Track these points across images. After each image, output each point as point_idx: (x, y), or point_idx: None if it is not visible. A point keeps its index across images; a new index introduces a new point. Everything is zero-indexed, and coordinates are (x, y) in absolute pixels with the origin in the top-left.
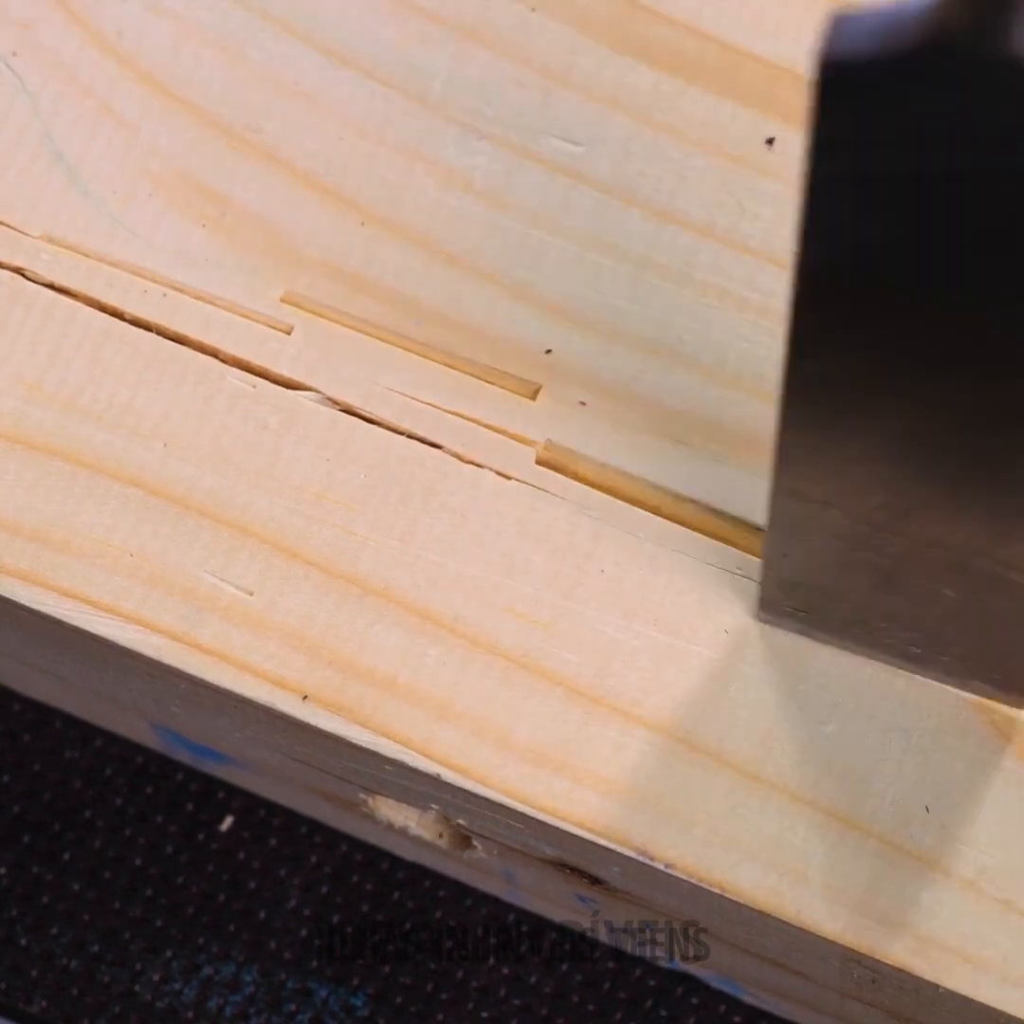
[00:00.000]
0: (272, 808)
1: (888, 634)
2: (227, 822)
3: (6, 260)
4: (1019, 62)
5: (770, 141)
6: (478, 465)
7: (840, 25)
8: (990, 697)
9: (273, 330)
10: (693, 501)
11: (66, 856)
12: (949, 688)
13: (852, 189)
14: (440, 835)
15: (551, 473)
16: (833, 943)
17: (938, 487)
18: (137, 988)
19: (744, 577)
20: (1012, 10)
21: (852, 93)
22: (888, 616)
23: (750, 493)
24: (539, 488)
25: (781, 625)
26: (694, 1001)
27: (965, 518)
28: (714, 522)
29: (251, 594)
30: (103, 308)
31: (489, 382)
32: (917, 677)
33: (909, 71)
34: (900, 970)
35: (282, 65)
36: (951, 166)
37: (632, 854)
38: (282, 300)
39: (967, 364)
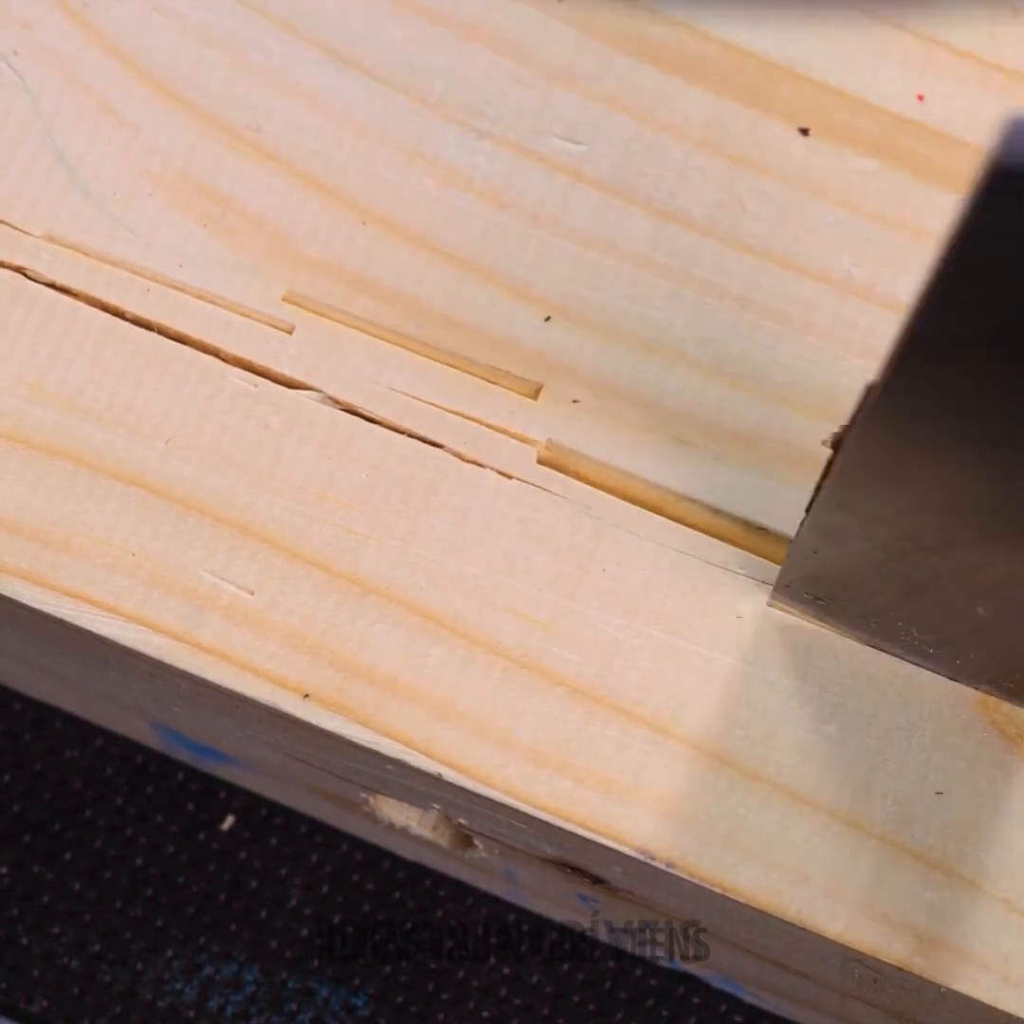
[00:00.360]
0: (273, 808)
1: (905, 633)
2: (228, 822)
3: (7, 260)
4: None
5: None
6: (479, 464)
7: (1019, 128)
8: (996, 696)
9: (274, 329)
10: (694, 501)
11: (67, 856)
12: (950, 689)
13: (991, 269)
14: (441, 835)
15: (552, 472)
16: (834, 943)
17: (996, 527)
18: (138, 988)
19: (746, 576)
20: None
21: (1015, 194)
22: (910, 619)
23: (751, 493)
24: (540, 488)
25: (792, 609)
26: (694, 1001)
27: (1014, 555)
28: (715, 522)
29: (252, 594)
30: (104, 307)
31: (490, 382)
32: (919, 677)
33: None
34: (901, 970)
35: (282, 65)
36: None
37: (633, 853)
38: (283, 300)
39: None
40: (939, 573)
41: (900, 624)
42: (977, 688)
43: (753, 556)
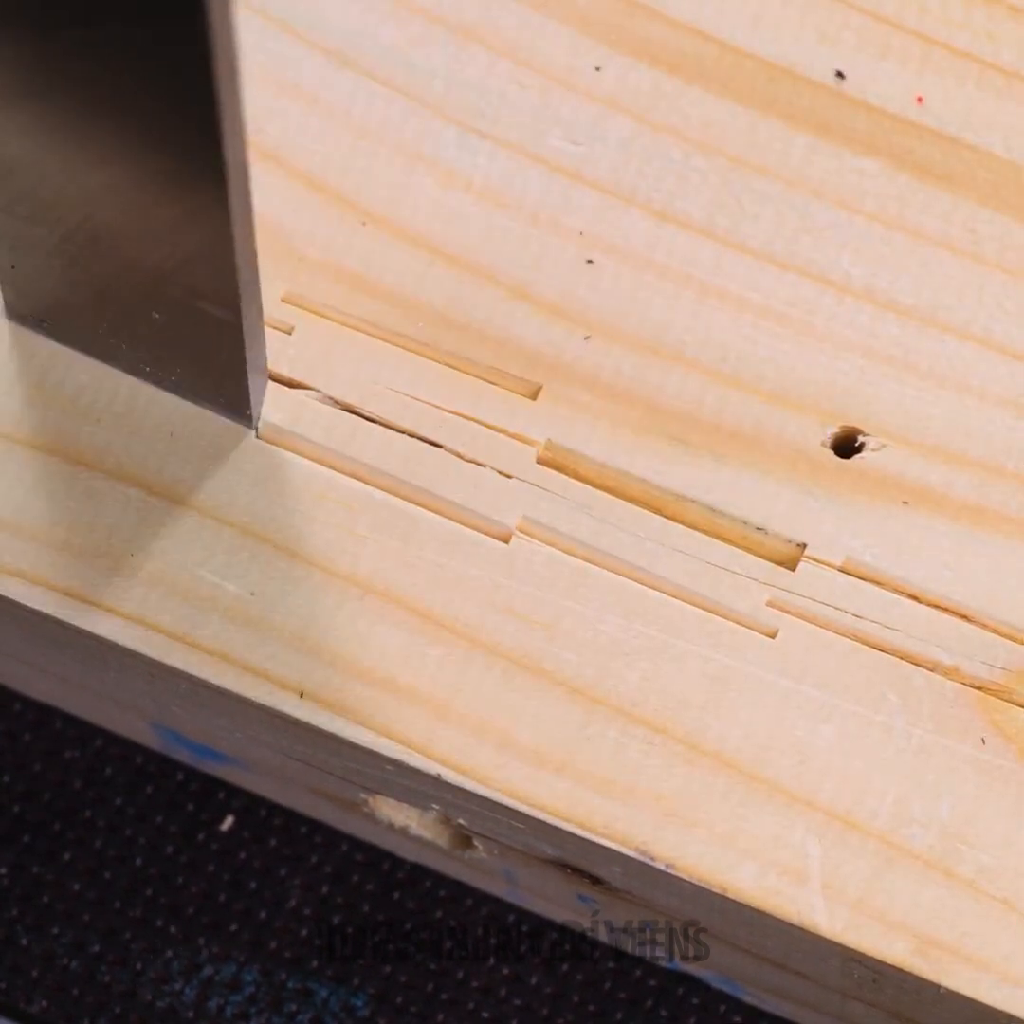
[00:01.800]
0: (272, 808)
1: (118, 349)
2: (227, 822)
3: None
4: None
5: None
6: (479, 464)
7: None
8: (222, 414)
9: (274, 330)
10: (693, 501)
11: (66, 856)
12: (949, 688)
13: None
14: (441, 835)
15: (552, 472)
16: (833, 943)
17: (120, 213)
18: (138, 988)
19: (744, 577)
20: None
21: None
22: (113, 333)
23: (750, 493)
24: (540, 487)
25: (30, 329)
26: (694, 1001)
27: (151, 245)
28: (714, 521)
29: (252, 594)
30: None
31: (490, 382)
32: (916, 676)
33: None
34: (900, 970)
35: (282, 65)
36: None
37: (633, 854)
38: (283, 300)
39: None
40: (106, 277)
41: (111, 341)
42: (204, 406)
43: (752, 556)
